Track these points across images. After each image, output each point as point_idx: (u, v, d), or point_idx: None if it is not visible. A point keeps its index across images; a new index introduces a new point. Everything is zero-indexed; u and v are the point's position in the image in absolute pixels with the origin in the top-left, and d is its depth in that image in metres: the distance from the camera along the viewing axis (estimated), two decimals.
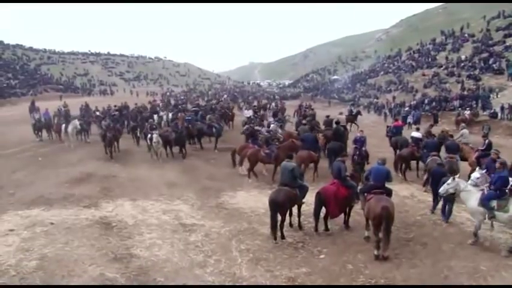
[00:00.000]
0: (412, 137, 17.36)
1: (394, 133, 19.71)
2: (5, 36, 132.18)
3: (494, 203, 9.51)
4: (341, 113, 30.87)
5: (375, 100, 48.61)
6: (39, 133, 24.49)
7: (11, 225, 11.36)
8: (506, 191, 9.48)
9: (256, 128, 20.33)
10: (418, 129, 18.15)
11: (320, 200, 10.58)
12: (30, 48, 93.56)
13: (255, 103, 42.02)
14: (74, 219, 11.75)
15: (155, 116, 26.98)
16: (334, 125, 19.56)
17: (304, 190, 10.94)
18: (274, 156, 15.58)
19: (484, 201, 9.63)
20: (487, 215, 9.63)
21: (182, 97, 55.86)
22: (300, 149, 16.07)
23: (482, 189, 9.91)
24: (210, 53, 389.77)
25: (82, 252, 9.55)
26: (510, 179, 9.68)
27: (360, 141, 16.78)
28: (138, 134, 23.75)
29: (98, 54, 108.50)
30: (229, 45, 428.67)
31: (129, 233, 10.85)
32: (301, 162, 15.08)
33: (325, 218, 10.81)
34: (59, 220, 11.66)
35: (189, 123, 23.10)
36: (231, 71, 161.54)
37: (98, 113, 28.76)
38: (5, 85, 61.21)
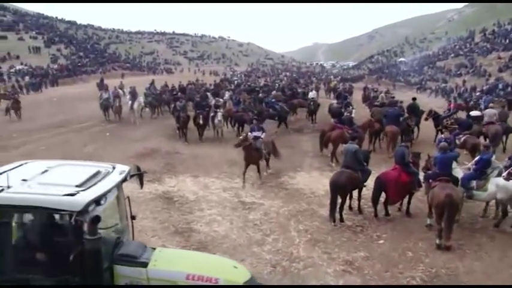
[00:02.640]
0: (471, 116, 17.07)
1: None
2: (78, 16, 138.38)
3: (473, 183, 9.94)
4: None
5: (443, 84, 46.54)
6: (107, 112, 25.24)
7: None
8: (487, 171, 9.94)
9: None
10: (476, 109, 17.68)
11: (380, 185, 10.36)
12: (100, 28, 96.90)
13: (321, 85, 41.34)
14: (138, 192, 12.18)
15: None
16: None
17: (366, 173, 10.76)
18: (358, 137, 15.12)
19: (464, 181, 9.94)
20: (464, 194, 9.89)
21: (243, 77, 56.14)
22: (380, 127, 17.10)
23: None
24: (274, 33, 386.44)
25: (145, 224, 9.93)
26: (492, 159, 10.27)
27: None
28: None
29: (163, 34, 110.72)
30: (293, 25, 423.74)
31: (190, 208, 11.16)
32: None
33: (385, 203, 10.57)
34: (125, 192, 12.13)
35: (268, 105, 22.67)
36: (294, 52, 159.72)
37: (174, 92, 29.09)
38: (78, 63, 64.11)
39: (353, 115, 18.59)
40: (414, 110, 19.04)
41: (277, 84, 36.09)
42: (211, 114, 20.07)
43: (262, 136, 14.08)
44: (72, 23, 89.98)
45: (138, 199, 11.54)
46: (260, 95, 26.75)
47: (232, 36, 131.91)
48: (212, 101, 22.80)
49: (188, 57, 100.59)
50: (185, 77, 41.90)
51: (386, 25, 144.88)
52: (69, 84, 47.75)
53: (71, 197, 4.52)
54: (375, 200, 10.49)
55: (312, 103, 24.75)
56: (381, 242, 9.32)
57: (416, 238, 9.39)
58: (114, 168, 5.56)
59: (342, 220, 10.21)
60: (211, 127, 20.36)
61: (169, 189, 12.53)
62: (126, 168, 5.63)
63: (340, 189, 10.11)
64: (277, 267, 8.18)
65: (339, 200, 10.20)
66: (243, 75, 62.33)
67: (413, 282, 7.75)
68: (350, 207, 10.93)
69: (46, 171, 5.19)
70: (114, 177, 5.25)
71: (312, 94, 27.14)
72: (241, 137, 13.60)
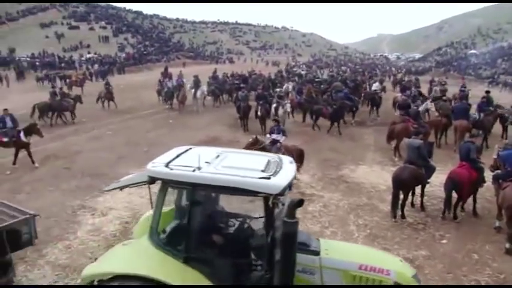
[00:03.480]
0: None
1: None
2: (144, 7, 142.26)
3: None
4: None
5: None
6: (170, 101, 25.89)
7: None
8: None
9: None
10: None
11: (452, 185, 9.78)
12: (165, 18, 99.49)
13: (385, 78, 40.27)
14: None
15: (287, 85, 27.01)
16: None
17: (430, 170, 10.37)
18: (424, 132, 14.44)
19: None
20: None
21: (304, 68, 55.70)
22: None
23: None
24: (337, 24, 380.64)
25: None
26: None
27: None
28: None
29: (226, 23, 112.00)
30: (357, 16, 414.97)
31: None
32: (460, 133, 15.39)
33: (456, 205, 9.99)
34: None
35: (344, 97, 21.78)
36: (358, 43, 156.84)
37: (236, 82, 29.41)
38: (143, 52, 66.20)
39: (421, 109, 18.01)
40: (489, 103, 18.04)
41: (339, 76, 35.53)
42: (274, 105, 19.86)
43: (281, 140, 12.85)
44: (138, 13, 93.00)
45: None
46: (322, 86, 26.47)
47: (295, 26, 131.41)
48: (277, 91, 22.75)
49: (251, 47, 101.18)
50: (247, 67, 42.19)
51: (456, 15, 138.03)
52: (134, 72, 49.35)
53: (267, 180, 4.61)
54: (447, 201, 9.93)
55: (375, 96, 24.17)
56: (444, 241, 8.98)
57: (482, 240, 8.94)
58: (280, 158, 5.58)
59: (403, 216, 9.93)
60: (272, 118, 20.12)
61: None
62: (291, 159, 5.62)
63: (402, 184, 9.83)
64: None
65: (401, 196, 9.92)
66: (304, 66, 61.81)
67: None
68: (412, 204, 10.60)
69: (218, 156, 5.31)
70: (289, 166, 5.27)
71: (375, 86, 26.52)
72: (250, 139, 12.51)
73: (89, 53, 59.40)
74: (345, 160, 14.70)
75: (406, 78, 39.35)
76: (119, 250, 5.39)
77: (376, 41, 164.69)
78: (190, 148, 5.73)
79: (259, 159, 5.40)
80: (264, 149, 11.39)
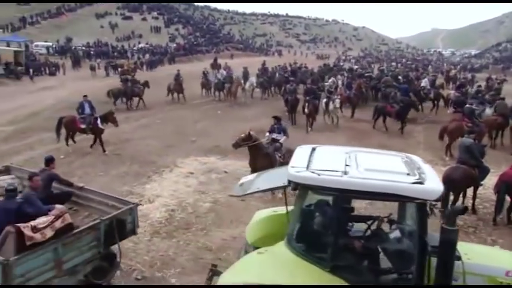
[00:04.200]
0: None
1: None
2: None
3: None
4: None
5: None
6: (218, 93, 26.01)
7: (192, 168, 12.72)
8: None
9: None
10: None
11: (506, 188, 9.28)
12: (216, 9, 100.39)
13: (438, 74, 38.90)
14: (245, 170, 12.49)
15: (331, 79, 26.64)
16: None
17: (484, 172, 9.92)
18: (477, 131, 13.83)
19: None
20: None
21: (354, 62, 54.83)
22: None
23: None
24: (390, 17, 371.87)
25: (250, 203, 10.14)
26: None
27: None
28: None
29: (276, 16, 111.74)
30: (410, 9, 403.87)
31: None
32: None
33: (509, 210, 9.48)
34: (232, 170, 12.60)
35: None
36: (410, 37, 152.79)
37: (285, 74, 29.13)
38: (194, 43, 67.09)
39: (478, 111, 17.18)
40: None
41: (390, 71, 34.68)
42: (325, 99, 19.58)
43: (281, 140, 11.68)
44: (190, 4, 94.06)
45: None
46: (372, 81, 25.93)
47: (346, 19, 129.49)
48: (326, 86, 22.46)
49: (300, 39, 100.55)
50: (296, 60, 41.92)
51: None
52: (184, 63, 49.96)
53: (422, 185, 4.34)
54: (499, 205, 9.46)
55: (427, 92, 23.40)
56: (496, 247, 8.60)
57: None
58: (409, 157, 5.29)
59: None
60: (323, 113, 19.74)
61: None
62: (422, 159, 5.36)
63: (453, 185, 9.44)
64: None
65: (451, 197, 9.56)
66: (353, 60, 60.89)
67: None
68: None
69: (350, 156, 5.00)
70: (427, 167, 4.98)
71: (424, 82, 25.69)
72: (242, 134, 11.14)
73: (139, 43, 60.79)
74: None
75: (461, 75, 37.97)
76: (256, 258, 4.97)
77: (429, 35, 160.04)
78: (315, 148, 5.42)
79: (393, 159, 5.14)
80: (256, 146, 10.96)
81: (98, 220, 6.38)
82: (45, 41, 51.92)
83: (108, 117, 14.44)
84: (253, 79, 25.73)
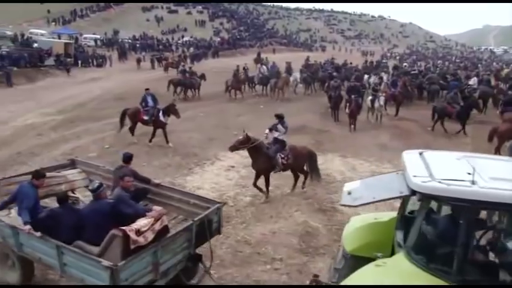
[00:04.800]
0: None
1: None
2: None
3: None
4: None
5: None
6: (262, 87, 25.94)
7: (233, 162, 12.78)
8: None
9: None
10: None
11: None
12: (260, 4, 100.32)
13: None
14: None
15: (372, 77, 26.18)
16: None
17: None
18: None
19: None
20: None
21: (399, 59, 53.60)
22: None
23: None
24: (438, 14, 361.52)
25: (290, 198, 10.12)
26: None
27: None
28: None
29: (321, 11, 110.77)
30: (461, 5, 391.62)
31: (336, 188, 10.99)
32: None
33: None
34: None
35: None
36: (460, 34, 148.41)
37: (328, 70, 28.78)
38: (237, 37, 67.36)
39: None
40: None
41: (438, 69, 33.77)
42: (370, 97, 19.15)
43: (281, 136, 10.66)
44: None
45: (285, 173, 11.77)
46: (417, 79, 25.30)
47: (392, 15, 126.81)
48: (371, 83, 22.05)
49: (345, 35, 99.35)
50: (341, 56, 41.43)
51: None
52: (228, 57, 50.30)
53: None
54: None
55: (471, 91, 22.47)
56: None
57: None
58: None
59: None
60: (367, 110, 19.21)
61: (318, 167, 12.49)
62: None
63: None
64: None
65: None
66: (399, 58, 59.59)
67: None
68: None
69: (464, 163, 4.79)
70: None
71: (472, 81, 24.83)
72: (240, 137, 10.31)
73: (183, 36, 61.53)
74: None
75: None
76: (374, 271, 4.66)
77: (480, 32, 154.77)
78: (422, 153, 5.20)
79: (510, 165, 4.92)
80: (256, 147, 10.11)
81: (191, 221, 6.26)
82: (94, 34, 53.33)
83: (170, 110, 14.42)
84: (296, 74, 25.60)
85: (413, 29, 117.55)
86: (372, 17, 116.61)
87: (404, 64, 41.52)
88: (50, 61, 33.60)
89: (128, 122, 14.83)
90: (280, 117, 10.80)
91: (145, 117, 14.38)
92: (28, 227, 5.68)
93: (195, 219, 6.28)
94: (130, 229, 5.24)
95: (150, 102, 14.57)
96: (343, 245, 5.63)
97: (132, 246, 5.23)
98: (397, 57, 61.27)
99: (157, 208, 6.13)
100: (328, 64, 31.60)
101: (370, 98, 19.07)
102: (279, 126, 10.57)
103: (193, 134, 15.76)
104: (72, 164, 8.57)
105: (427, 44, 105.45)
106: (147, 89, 15.10)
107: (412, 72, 29.88)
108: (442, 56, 76.95)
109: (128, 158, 7.62)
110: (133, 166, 8.08)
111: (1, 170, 11.82)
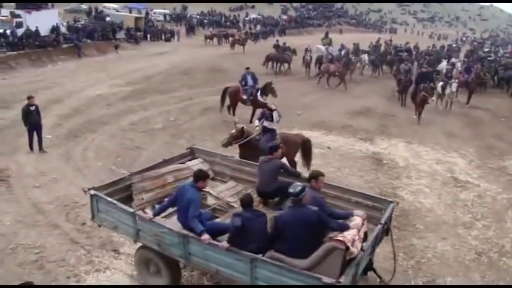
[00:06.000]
0: None
1: None
2: None
3: None
4: None
5: None
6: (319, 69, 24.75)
7: None
8: None
9: None
10: None
11: None
12: None
13: None
14: (348, 148, 12.35)
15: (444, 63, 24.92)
16: None
17: None
18: None
19: None
20: None
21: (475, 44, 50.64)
22: None
23: None
24: None
25: (351, 181, 10.00)
26: None
27: None
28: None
29: None
30: None
31: (398, 174, 10.83)
32: None
33: None
34: (335, 146, 12.45)
35: None
36: None
37: (399, 53, 27.68)
38: (305, 16, 66.42)
39: None
40: None
41: None
42: (441, 83, 18.18)
43: (275, 127, 9.45)
44: None
45: (347, 155, 11.66)
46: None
47: None
48: (443, 69, 21.08)
49: (417, 17, 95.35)
50: (411, 39, 39.84)
51: None
52: (294, 35, 49.73)
53: None
54: None
55: None
56: None
57: None
58: None
59: None
60: (437, 97, 17.87)
61: (380, 151, 12.32)
62: None
63: None
64: (483, 256, 7.41)
65: None
66: (475, 43, 56.40)
67: None
68: None
69: None
70: None
71: None
72: (233, 131, 9.11)
73: (248, 14, 61.37)
74: (511, 151, 13.21)
75: None
76: None
77: None
78: None
79: None
80: (249, 142, 8.94)
81: (380, 224, 5.59)
82: (163, 9, 54.30)
83: (267, 89, 14.25)
84: (365, 56, 24.96)
85: (493, 11, 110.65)
86: None
87: (482, 49, 39.26)
88: (121, 34, 34.76)
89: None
90: (271, 110, 9.53)
91: (244, 97, 14.30)
92: (207, 237, 5.11)
93: (381, 221, 5.62)
94: (347, 240, 4.76)
95: (250, 82, 14.45)
96: None
97: (347, 258, 4.79)
98: (474, 42, 57.97)
99: (359, 213, 5.52)
100: (398, 48, 30.32)
101: (440, 83, 18.22)
102: (275, 115, 9.41)
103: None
104: (191, 154, 8.09)
105: (508, 29, 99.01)
106: (247, 68, 15.00)
107: (488, 58, 28.31)
108: None
109: (272, 149, 6.93)
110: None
111: (73, 137, 12.54)
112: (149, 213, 6.00)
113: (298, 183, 5.22)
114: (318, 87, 20.96)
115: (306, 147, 9.52)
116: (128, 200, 6.53)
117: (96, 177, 9.98)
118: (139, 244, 6.06)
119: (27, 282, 4.40)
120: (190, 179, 5.83)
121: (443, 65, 23.47)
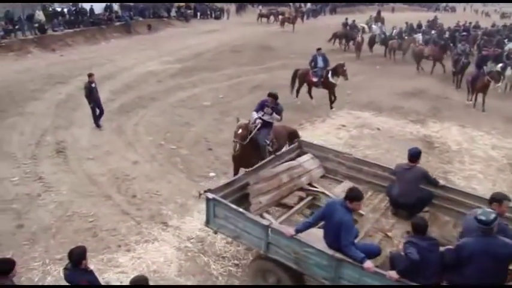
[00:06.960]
0: None
1: None
2: None
3: None
4: None
5: None
6: (371, 48, 24.88)
7: (344, 121, 12.68)
8: None
9: None
10: None
11: None
12: None
13: None
14: (398, 130, 12.06)
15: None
16: None
17: None
18: None
19: None
20: None
21: None
22: None
23: None
24: None
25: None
26: None
27: None
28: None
29: None
30: None
31: (450, 158, 10.51)
32: None
33: None
34: (385, 128, 12.19)
35: None
36: None
37: (456, 33, 26.40)
38: None
39: None
40: None
41: None
42: (501, 64, 17.18)
43: (272, 120, 8.29)
44: None
45: (397, 136, 11.40)
46: None
47: None
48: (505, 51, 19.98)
49: None
50: (469, 17, 38.14)
51: None
52: (346, 14, 48.54)
53: None
54: None
55: None
56: None
57: None
58: None
59: None
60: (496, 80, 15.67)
61: (432, 134, 11.94)
62: None
63: None
64: None
65: None
66: None
67: None
68: None
69: None
70: None
71: None
72: (238, 130, 7.72)
73: None
74: None
75: None
76: None
77: None
78: None
79: None
80: (252, 140, 7.86)
81: None
82: None
83: (338, 70, 13.78)
84: (419, 36, 24.08)
85: None
86: None
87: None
88: (172, 12, 35.06)
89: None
90: (275, 97, 8.30)
91: (314, 79, 13.94)
92: (371, 265, 4.56)
93: None
94: None
95: (320, 63, 14.02)
96: None
97: None
98: None
99: None
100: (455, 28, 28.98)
101: (500, 65, 17.30)
102: (278, 107, 8.30)
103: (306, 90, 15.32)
104: (299, 148, 7.62)
105: None
106: (318, 49, 14.49)
107: None
108: None
109: (414, 156, 6.23)
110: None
111: (125, 112, 12.89)
112: (267, 217, 5.82)
113: (490, 210, 4.43)
114: (368, 68, 20.43)
115: (292, 138, 8.52)
116: (240, 201, 6.17)
117: (147, 151, 10.31)
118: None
119: (140, 276, 4.46)
120: (342, 197, 5.19)
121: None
